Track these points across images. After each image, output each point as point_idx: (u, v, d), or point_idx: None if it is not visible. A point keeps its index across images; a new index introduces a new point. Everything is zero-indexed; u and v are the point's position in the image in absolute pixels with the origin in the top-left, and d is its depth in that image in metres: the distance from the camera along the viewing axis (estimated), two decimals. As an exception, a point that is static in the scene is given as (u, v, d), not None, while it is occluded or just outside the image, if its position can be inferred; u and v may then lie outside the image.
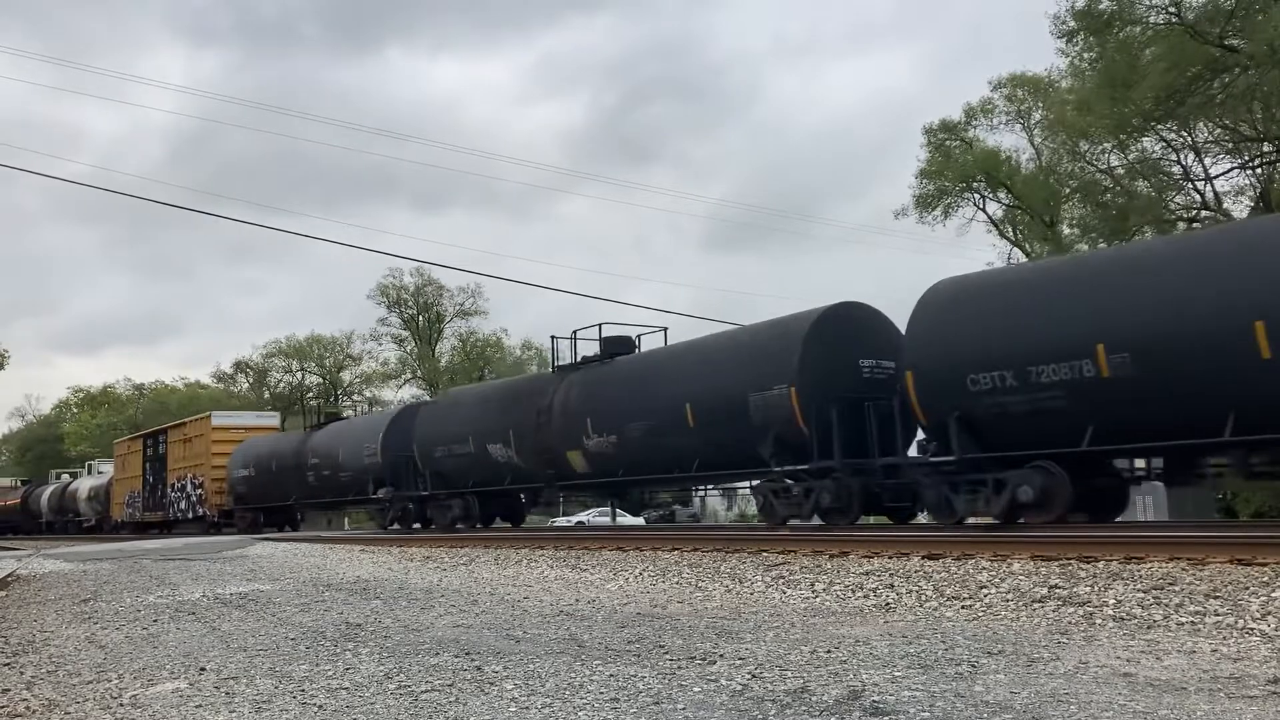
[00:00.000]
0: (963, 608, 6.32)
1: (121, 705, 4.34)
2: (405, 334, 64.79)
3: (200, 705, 4.22)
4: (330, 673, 4.80)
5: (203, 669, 5.11)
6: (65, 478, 54.84)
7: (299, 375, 68.48)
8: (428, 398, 49.64)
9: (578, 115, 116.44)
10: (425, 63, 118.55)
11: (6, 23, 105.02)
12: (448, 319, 64.63)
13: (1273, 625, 5.09)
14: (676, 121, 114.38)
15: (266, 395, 68.33)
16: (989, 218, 37.53)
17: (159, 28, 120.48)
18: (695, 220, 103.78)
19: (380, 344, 65.15)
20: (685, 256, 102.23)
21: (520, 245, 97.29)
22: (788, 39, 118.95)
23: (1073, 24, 23.90)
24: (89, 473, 50.66)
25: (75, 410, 78.97)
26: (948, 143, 36.76)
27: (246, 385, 70.87)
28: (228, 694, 4.42)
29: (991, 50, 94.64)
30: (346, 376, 67.76)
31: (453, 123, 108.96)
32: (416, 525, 23.25)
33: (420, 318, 64.51)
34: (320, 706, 4.07)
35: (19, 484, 62.87)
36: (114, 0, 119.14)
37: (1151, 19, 23.28)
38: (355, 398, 65.13)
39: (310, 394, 61.93)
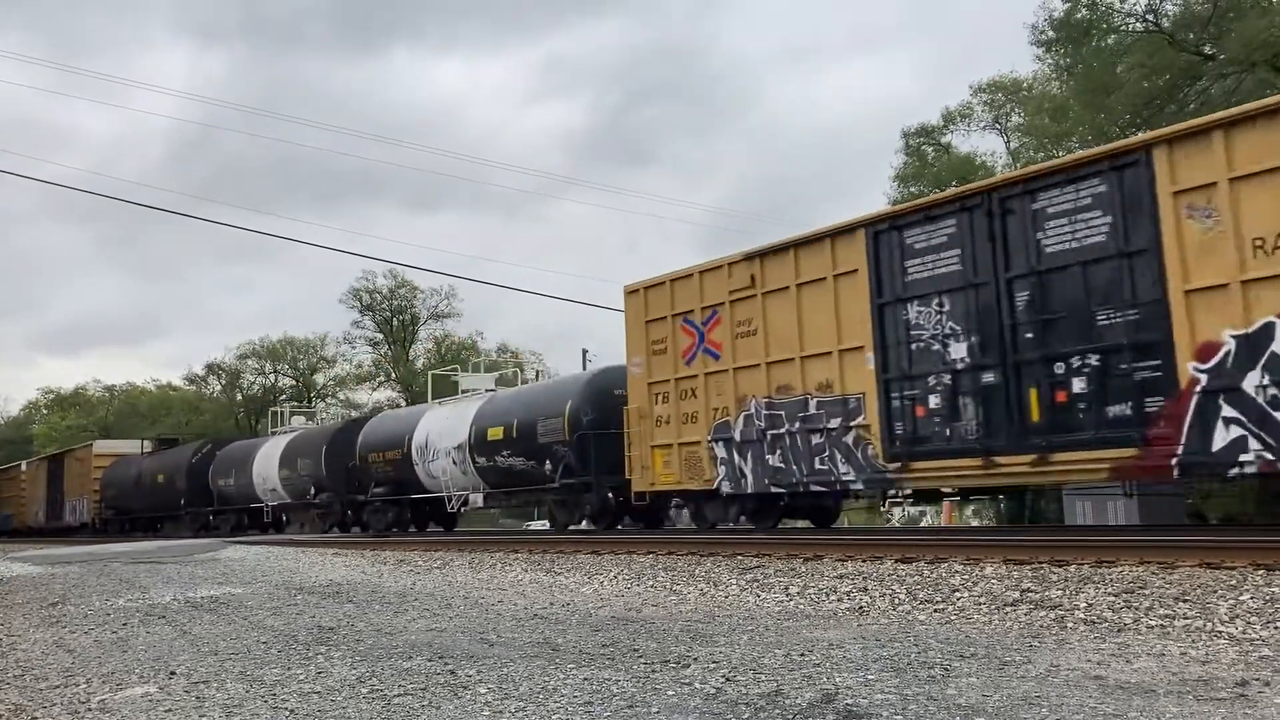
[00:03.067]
0: (935, 611, 6.36)
1: (90, 710, 4.29)
2: (379, 336, 64.50)
3: (170, 710, 4.18)
4: (302, 677, 4.77)
5: (173, 673, 5.06)
6: (301, 420, 31.99)
7: (272, 377, 68.02)
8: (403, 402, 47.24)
9: (579, 117, 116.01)
10: (431, 63, 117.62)
11: (4, 18, 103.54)
12: (422, 321, 64.41)
13: (1241, 628, 5.14)
14: (677, 125, 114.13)
15: (239, 397, 67.81)
16: (959, 225, 37.57)
17: (163, 27, 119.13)
18: (690, 225, 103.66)
19: (354, 346, 64.82)
20: (681, 260, 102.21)
21: (512, 249, 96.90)
22: (791, 43, 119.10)
23: (1051, 33, 24.15)
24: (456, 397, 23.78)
25: (45, 412, 78.01)
26: (924, 147, 36.83)
27: (219, 387, 70.31)
28: (198, 698, 4.38)
29: (993, 56, 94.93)
30: (320, 379, 67.38)
31: (454, 124, 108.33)
32: None
33: (395, 320, 64.22)
34: (292, 711, 4.04)
35: (154, 444, 37.51)
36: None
37: (1129, 27, 23.54)
38: (329, 400, 64.70)
39: (283, 396, 61.41)
